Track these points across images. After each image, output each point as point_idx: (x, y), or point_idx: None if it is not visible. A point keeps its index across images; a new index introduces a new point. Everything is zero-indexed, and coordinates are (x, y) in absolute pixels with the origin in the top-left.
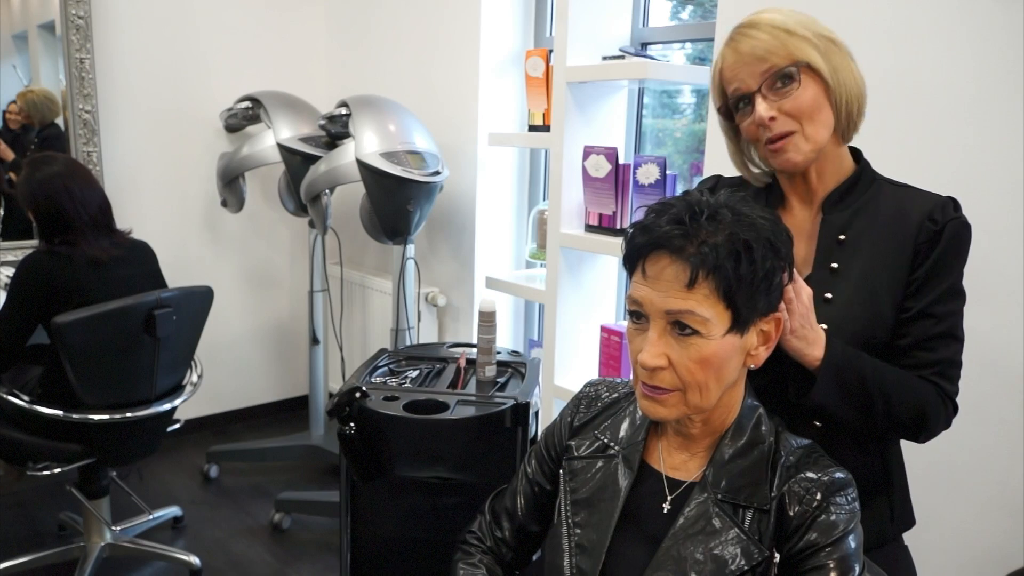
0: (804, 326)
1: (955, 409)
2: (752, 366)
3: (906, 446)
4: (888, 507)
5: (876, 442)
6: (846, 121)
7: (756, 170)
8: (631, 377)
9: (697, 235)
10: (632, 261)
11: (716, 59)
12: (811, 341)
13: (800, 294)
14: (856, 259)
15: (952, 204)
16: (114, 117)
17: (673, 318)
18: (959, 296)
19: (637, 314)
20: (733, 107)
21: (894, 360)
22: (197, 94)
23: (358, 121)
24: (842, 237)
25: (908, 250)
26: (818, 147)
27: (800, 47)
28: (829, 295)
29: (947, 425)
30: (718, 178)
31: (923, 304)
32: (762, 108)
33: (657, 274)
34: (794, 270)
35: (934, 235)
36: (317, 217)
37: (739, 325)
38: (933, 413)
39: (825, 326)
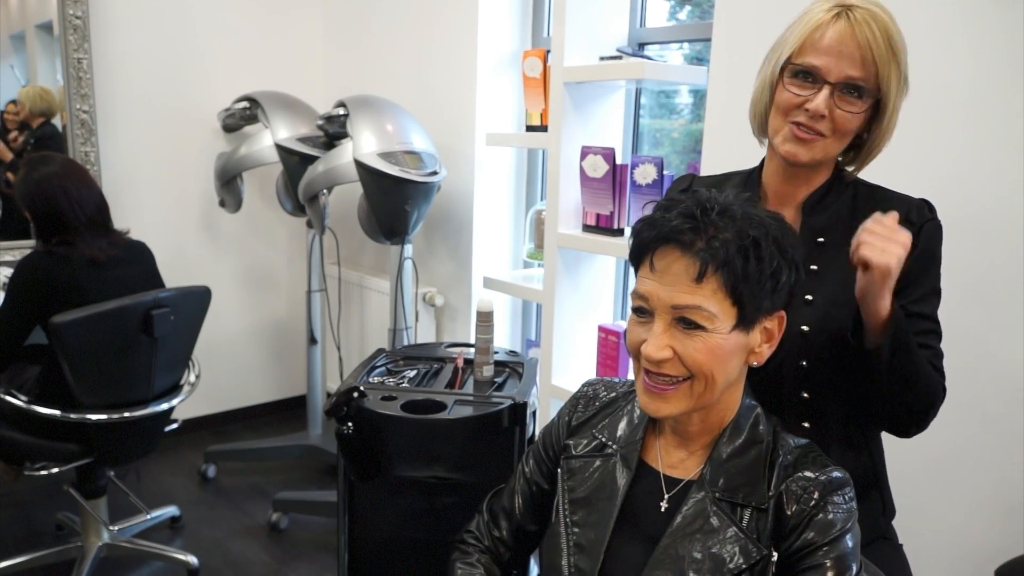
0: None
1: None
2: (755, 363)
3: (902, 445)
4: (880, 501)
5: (864, 440)
6: (860, 157)
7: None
8: (631, 375)
9: (706, 230)
10: (639, 256)
11: (816, 18)
12: (889, 290)
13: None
14: (835, 261)
15: (927, 206)
16: (112, 117)
17: (679, 313)
18: (937, 294)
19: (641, 310)
20: (791, 71)
21: None
22: (195, 94)
23: (356, 121)
24: (821, 239)
25: None
26: (825, 159)
27: (891, 78)
28: (809, 296)
29: (936, 415)
30: (692, 178)
31: (906, 303)
32: (822, 101)
33: (665, 268)
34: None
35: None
36: (315, 217)
37: (744, 322)
38: (938, 401)
39: (807, 327)
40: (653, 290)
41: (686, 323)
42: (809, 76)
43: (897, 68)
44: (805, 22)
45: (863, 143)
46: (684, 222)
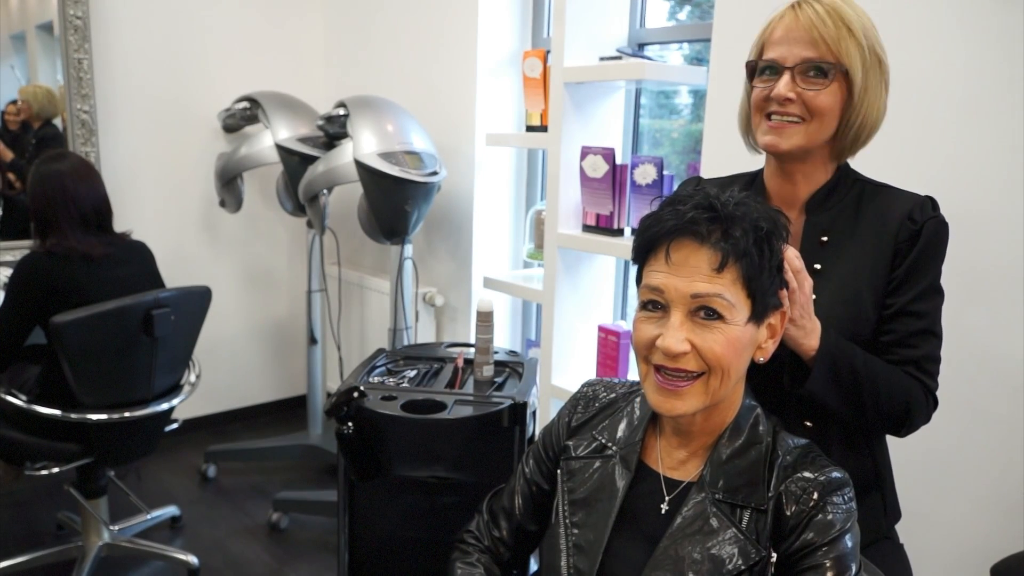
0: (804, 315)
1: (935, 404)
2: (761, 359)
3: (902, 444)
4: (881, 503)
5: (865, 440)
6: (848, 141)
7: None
8: (631, 375)
9: (724, 222)
10: (651, 249)
11: (774, 17)
12: (809, 331)
13: (803, 284)
14: (838, 260)
15: (931, 203)
16: (112, 117)
17: (699, 303)
18: (938, 293)
19: (655, 303)
20: (759, 70)
21: (876, 356)
22: (195, 94)
23: (356, 121)
24: (825, 238)
25: (888, 249)
26: (809, 146)
27: (850, 51)
28: (813, 295)
29: (927, 420)
30: (698, 179)
31: (904, 302)
32: (784, 86)
33: (682, 260)
34: (800, 261)
35: (913, 234)
36: (315, 217)
37: (756, 315)
38: (917, 408)
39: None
40: (669, 282)
41: (706, 313)
42: (771, 69)
43: (855, 41)
44: (762, 28)
45: (844, 125)
46: (701, 213)
